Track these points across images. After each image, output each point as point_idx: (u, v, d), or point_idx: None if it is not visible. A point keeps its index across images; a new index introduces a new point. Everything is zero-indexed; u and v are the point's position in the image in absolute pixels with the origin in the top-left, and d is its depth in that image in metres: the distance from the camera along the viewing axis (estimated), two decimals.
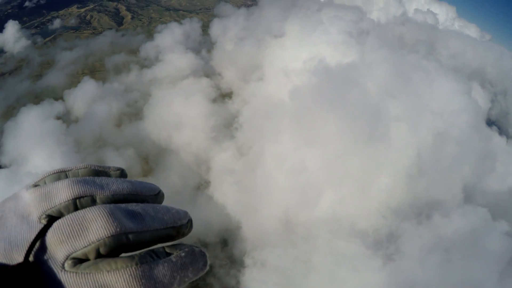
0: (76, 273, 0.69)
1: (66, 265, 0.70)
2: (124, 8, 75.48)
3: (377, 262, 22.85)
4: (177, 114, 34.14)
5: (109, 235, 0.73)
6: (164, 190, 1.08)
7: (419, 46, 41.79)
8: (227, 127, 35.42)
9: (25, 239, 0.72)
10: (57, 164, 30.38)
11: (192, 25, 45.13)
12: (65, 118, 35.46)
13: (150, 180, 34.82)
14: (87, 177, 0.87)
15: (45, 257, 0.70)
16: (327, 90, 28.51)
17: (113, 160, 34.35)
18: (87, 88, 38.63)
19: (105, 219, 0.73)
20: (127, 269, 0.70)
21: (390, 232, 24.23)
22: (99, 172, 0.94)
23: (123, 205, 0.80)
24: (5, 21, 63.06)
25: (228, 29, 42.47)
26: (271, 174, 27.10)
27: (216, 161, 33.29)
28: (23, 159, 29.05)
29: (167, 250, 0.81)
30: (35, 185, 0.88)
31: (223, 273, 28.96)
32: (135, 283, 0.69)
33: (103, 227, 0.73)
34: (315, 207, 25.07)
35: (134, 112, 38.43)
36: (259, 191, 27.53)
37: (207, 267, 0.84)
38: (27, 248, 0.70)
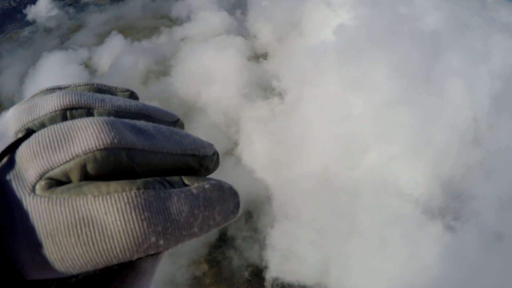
0: (49, 198, 0.44)
1: (37, 186, 0.45)
2: None
3: (435, 229, 18.64)
4: (208, 68, 30.81)
5: (102, 146, 0.47)
6: None
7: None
8: (261, 88, 31.78)
9: None
10: None
11: None
12: (90, 67, 33.05)
13: None
14: (87, 92, 0.60)
15: (10, 176, 0.45)
16: (377, 24, 24.37)
17: None
18: (114, 43, 36.07)
19: (98, 127, 0.48)
20: (124, 193, 0.45)
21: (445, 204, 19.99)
22: (103, 90, 0.67)
23: (127, 120, 0.55)
24: None
25: None
26: (310, 122, 23.16)
27: (247, 120, 29.61)
28: None
29: (186, 181, 0.53)
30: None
31: (245, 246, 25.46)
32: (134, 215, 0.43)
33: (94, 135, 0.47)
34: (360, 164, 21.00)
35: (162, 70, 35.39)
36: (294, 144, 23.69)
37: (239, 212, 0.59)
38: None
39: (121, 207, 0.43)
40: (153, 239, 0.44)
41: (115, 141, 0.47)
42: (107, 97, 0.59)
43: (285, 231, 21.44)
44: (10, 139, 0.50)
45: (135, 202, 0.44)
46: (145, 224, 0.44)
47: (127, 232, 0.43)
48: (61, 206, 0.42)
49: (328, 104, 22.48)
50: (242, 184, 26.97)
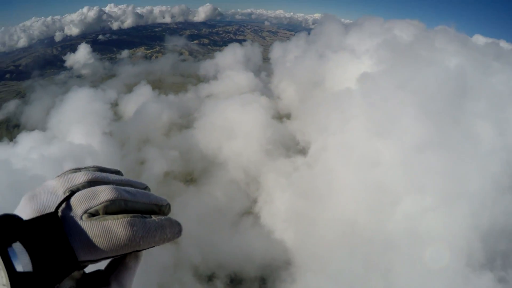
0: (90, 221, 0.88)
1: (83, 217, 0.89)
2: (187, 53, 78.52)
3: (484, 282, 16.25)
4: (231, 122, 30.50)
5: (112, 198, 0.92)
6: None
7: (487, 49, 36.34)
8: (284, 146, 31.07)
9: (54, 203, 0.92)
10: (93, 142, 27.64)
11: (253, 48, 43.72)
12: (116, 109, 33.28)
13: (191, 190, 30.60)
14: (97, 172, 1.06)
15: (69, 213, 0.89)
16: (400, 67, 23.79)
17: (156, 160, 30.82)
18: (142, 92, 36.76)
19: (110, 189, 0.93)
20: (125, 218, 0.89)
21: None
22: (104, 170, 1.10)
23: (122, 186, 0.99)
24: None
25: (288, 51, 40.22)
26: (335, 172, 21.68)
27: (268, 177, 28.45)
28: (63, 130, 26.58)
29: (153, 216, 0.98)
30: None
31: None
32: (129, 228, 0.88)
33: (109, 193, 0.92)
34: (392, 215, 19.15)
35: (185, 124, 35.39)
36: (319, 196, 22.05)
37: (180, 233, 1.01)
38: (55, 207, 0.89)
39: (123, 224, 0.87)
40: (137, 239, 0.88)
41: (117, 195, 0.92)
42: (109, 175, 1.03)
43: (309, 285, 19.08)
44: (61, 195, 0.93)
45: (129, 222, 0.88)
46: (133, 232, 0.88)
47: (125, 235, 0.86)
48: (95, 224, 0.86)
49: (354, 151, 21.28)
50: (259, 247, 25.11)
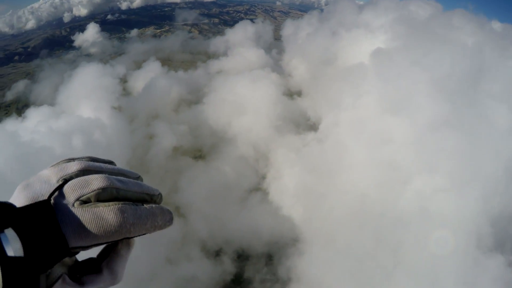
0: (81, 208, 0.89)
1: (75, 204, 0.90)
2: (197, 31, 77.42)
3: (495, 265, 15.81)
4: (241, 98, 29.94)
5: (104, 186, 0.92)
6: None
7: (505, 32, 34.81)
8: (294, 123, 30.48)
9: (47, 191, 0.93)
10: (102, 116, 27.42)
11: (264, 26, 42.75)
12: (125, 85, 32.94)
13: (200, 165, 30.36)
14: (90, 161, 1.07)
15: (62, 201, 0.90)
16: (415, 43, 22.86)
17: (165, 135, 30.56)
18: (151, 68, 36.29)
19: (102, 178, 0.94)
20: (116, 205, 0.89)
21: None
22: (97, 160, 1.10)
23: (114, 176, 1.00)
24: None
25: (300, 29, 39.19)
26: (346, 148, 21.08)
27: (277, 153, 28.00)
28: (72, 104, 26.33)
29: (144, 205, 0.98)
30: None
31: None
32: (119, 214, 0.88)
33: (100, 181, 0.93)
34: (402, 193, 18.62)
35: (194, 100, 34.94)
36: (329, 171, 21.56)
37: (172, 222, 1.00)
38: (48, 195, 0.90)
39: (115, 211, 0.87)
40: (128, 226, 0.88)
41: (109, 184, 0.92)
42: (102, 164, 1.05)
43: (316, 258, 18.80)
44: (54, 184, 0.94)
45: (120, 209, 0.88)
46: (124, 218, 0.88)
47: (116, 221, 0.87)
48: (87, 211, 0.87)
49: (366, 127, 20.63)
50: (266, 224, 24.88)
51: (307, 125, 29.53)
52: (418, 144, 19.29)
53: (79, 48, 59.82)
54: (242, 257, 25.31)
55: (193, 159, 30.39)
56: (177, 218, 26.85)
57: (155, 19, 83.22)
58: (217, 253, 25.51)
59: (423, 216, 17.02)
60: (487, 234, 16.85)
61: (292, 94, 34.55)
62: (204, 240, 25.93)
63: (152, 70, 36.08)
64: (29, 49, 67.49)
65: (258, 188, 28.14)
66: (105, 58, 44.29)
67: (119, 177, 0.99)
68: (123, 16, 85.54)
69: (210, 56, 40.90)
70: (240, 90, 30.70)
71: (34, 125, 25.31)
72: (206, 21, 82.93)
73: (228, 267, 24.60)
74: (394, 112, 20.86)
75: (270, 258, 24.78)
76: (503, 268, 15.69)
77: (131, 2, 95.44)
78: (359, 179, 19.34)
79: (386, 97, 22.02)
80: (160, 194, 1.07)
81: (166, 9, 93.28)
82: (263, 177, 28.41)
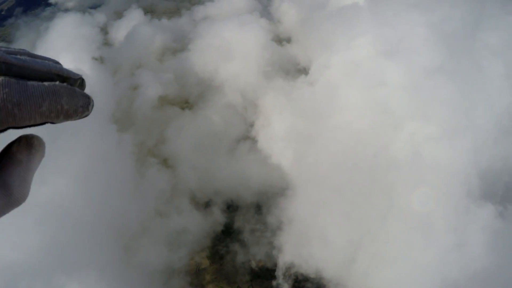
0: None
1: None
2: None
3: (485, 214, 15.78)
4: (228, 43, 28.52)
5: None
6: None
7: None
8: (284, 70, 29.29)
9: None
10: (83, 68, 26.05)
11: None
12: (105, 34, 31.18)
13: (187, 115, 29.43)
14: None
15: None
16: None
17: (149, 84, 29.32)
18: (133, 16, 34.26)
19: None
20: None
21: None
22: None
23: (12, 54, 0.78)
24: None
25: None
26: (337, 90, 20.33)
27: (266, 100, 27.07)
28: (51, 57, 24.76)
29: (45, 83, 0.77)
30: None
31: (252, 241, 22.85)
32: None
33: None
34: (395, 138, 18.14)
35: (179, 48, 33.32)
36: (319, 114, 20.88)
37: (90, 109, 0.82)
38: None
39: None
40: (10, 106, 0.67)
41: None
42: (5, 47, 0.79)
43: (308, 201, 18.59)
44: None
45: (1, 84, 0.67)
46: (4, 95, 0.66)
47: None
48: None
49: (359, 70, 19.83)
50: (255, 173, 24.45)
51: (297, 70, 28.42)
52: (412, 90, 18.64)
53: (55, 4, 56.34)
54: (231, 207, 25.05)
55: (179, 108, 29.38)
56: (165, 170, 26.35)
57: None
58: (206, 204, 25.20)
59: (415, 161, 16.67)
60: (477, 184, 16.68)
61: (281, 40, 33.04)
62: (193, 191, 25.56)
63: (134, 18, 34.11)
64: (2, 13, 63.65)
65: (247, 137, 27.45)
66: (84, 9, 41.61)
67: (19, 56, 0.75)
68: None
69: (195, 2, 38.61)
70: (227, 36, 29.18)
71: None
72: None
73: (218, 218, 24.39)
74: (388, 55, 19.93)
75: (260, 208, 24.56)
76: (492, 218, 15.56)
77: None
78: (351, 121, 18.69)
79: (380, 39, 20.98)
80: (81, 78, 0.84)
81: None
82: (252, 125, 27.68)
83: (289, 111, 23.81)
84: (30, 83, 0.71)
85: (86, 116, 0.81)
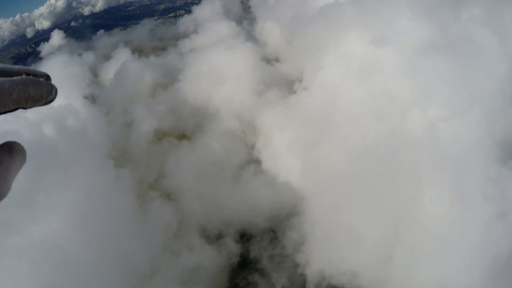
0: None
1: None
2: (163, 25, 74.76)
3: None
4: (218, 68, 28.38)
5: None
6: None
7: None
8: (276, 86, 29.02)
9: None
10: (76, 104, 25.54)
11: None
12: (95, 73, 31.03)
13: (186, 146, 28.73)
14: None
15: None
16: None
17: (144, 119, 28.87)
18: (121, 56, 34.41)
19: None
20: None
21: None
22: None
23: None
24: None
25: None
26: (335, 88, 19.71)
27: (263, 118, 26.58)
28: None
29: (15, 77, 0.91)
30: None
31: (271, 267, 21.39)
32: None
33: None
34: (403, 126, 17.38)
35: (170, 82, 33.17)
36: (321, 118, 20.18)
37: (54, 96, 0.94)
38: None
39: None
40: None
41: None
42: None
43: (327, 205, 17.47)
44: None
45: None
46: None
47: None
48: None
49: (352, 63, 19.29)
50: (264, 196, 23.49)
51: (290, 83, 28.12)
52: (410, 72, 18.07)
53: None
54: (245, 237, 23.88)
55: (177, 140, 28.79)
56: (168, 203, 25.33)
57: (120, 20, 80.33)
58: (218, 237, 23.98)
59: (431, 141, 15.85)
60: (498, 152, 15.88)
61: (270, 60, 33.17)
62: (202, 224, 24.40)
63: (122, 58, 34.17)
64: None
65: (250, 160, 26.65)
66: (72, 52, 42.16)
67: None
68: (87, 21, 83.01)
69: (180, 36, 39.09)
70: (215, 61, 29.10)
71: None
72: (172, 14, 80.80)
73: (232, 249, 23.13)
74: (379, 42, 19.50)
75: (274, 232, 23.46)
76: None
77: (93, 6, 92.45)
78: (356, 115, 18.02)
79: (368, 28, 20.67)
80: (46, 75, 0.96)
81: (130, 8, 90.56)
82: (253, 147, 27.01)
83: (289, 124, 23.20)
84: (2, 78, 0.83)
85: (51, 100, 0.91)
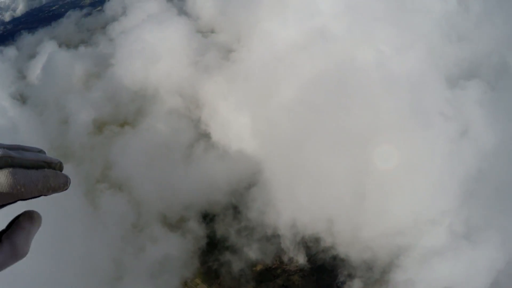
0: None
1: None
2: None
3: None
4: (151, 44, 26.79)
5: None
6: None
7: None
8: (214, 56, 27.91)
9: None
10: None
11: None
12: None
13: (129, 132, 27.15)
14: None
15: None
16: None
17: (80, 110, 26.89)
18: (47, 50, 31.75)
19: None
20: (6, 170, 0.97)
21: None
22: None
23: (12, 150, 1.05)
24: None
25: None
26: (275, 42, 19.10)
27: (205, 87, 25.45)
28: None
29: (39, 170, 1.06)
30: None
31: (241, 242, 21.13)
32: (10, 176, 0.96)
33: None
34: (350, 66, 17.15)
35: (103, 70, 30.96)
36: (265, 76, 19.51)
37: (68, 185, 1.09)
38: None
39: (5, 174, 0.94)
40: (18, 186, 0.96)
41: (3, 154, 0.97)
42: (2, 144, 1.05)
43: (288, 161, 16.94)
44: None
45: (11, 172, 0.96)
46: (15, 180, 0.96)
47: (7, 182, 0.95)
48: None
49: (288, 8, 18.77)
50: (220, 171, 22.65)
51: (227, 53, 27.16)
52: (350, 13, 17.77)
53: None
54: (208, 217, 23.10)
55: (119, 127, 27.09)
56: (121, 196, 23.84)
57: (45, 21, 74.57)
58: (180, 222, 23.03)
59: (380, 72, 15.65)
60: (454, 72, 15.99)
61: (205, 33, 31.94)
62: (162, 212, 23.25)
63: (48, 51, 31.52)
64: None
65: (199, 136, 25.57)
66: None
67: (17, 151, 1.03)
68: (8, 26, 76.51)
69: (108, 22, 36.69)
70: (148, 38, 27.39)
71: None
72: (99, 8, 76.12)
73: (197, 232, 22.33)
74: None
75: (237, 206, 22.85)
76: (482, 93, 14.83)
77: (14, 11, 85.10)
78: (301, 63, 17.46)
79: None
80: (59, 162, 1.12)
81: (54, 7, 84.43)
82: (199, 121, 25.96)
83: (232, 88, 22.35)
84: (29, 171, 1.00)
85: (66, 189, 1.08)
